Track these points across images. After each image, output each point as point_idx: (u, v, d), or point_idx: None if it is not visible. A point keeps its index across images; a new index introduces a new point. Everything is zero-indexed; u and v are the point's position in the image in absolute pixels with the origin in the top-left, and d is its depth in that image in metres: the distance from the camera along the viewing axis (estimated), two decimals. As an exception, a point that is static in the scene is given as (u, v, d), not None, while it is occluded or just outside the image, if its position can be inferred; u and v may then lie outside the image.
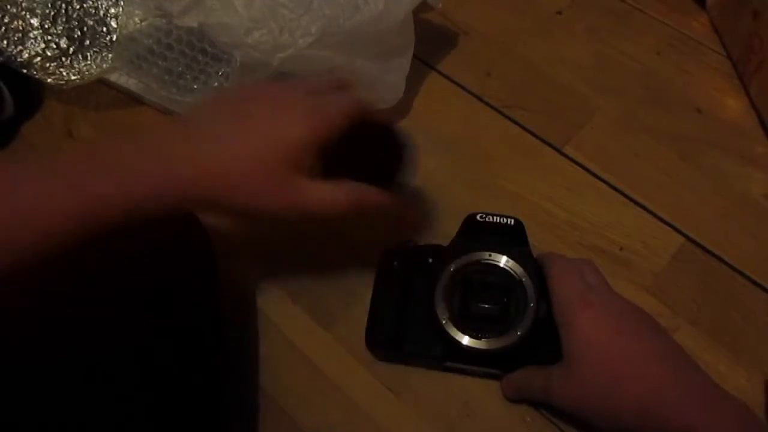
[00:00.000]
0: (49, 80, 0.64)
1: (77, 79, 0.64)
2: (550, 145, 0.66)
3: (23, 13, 0.64)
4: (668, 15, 0.75)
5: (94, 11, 0.65)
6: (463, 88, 0.70)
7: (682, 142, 0.65)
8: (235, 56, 0.54)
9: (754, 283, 0.57)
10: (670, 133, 0.66)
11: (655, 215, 0.61)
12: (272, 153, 0.41)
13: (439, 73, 0.71)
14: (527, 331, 0.48)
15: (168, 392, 0.43)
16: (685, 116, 0.67)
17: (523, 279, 0.50)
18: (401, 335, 0.52)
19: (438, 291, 0.50)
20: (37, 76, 0.64)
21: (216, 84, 0.60)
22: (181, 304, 0.45)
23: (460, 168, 0.64)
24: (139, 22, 0.60)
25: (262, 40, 0.53)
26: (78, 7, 0.65)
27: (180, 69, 0.60)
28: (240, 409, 0.52)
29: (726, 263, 0.58)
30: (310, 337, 0.55)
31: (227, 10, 0.54)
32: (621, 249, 0.59)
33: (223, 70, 0.59)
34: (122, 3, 0.64)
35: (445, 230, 0.54)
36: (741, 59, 0.69)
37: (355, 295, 0.56)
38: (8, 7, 0.64)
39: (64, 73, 0.64)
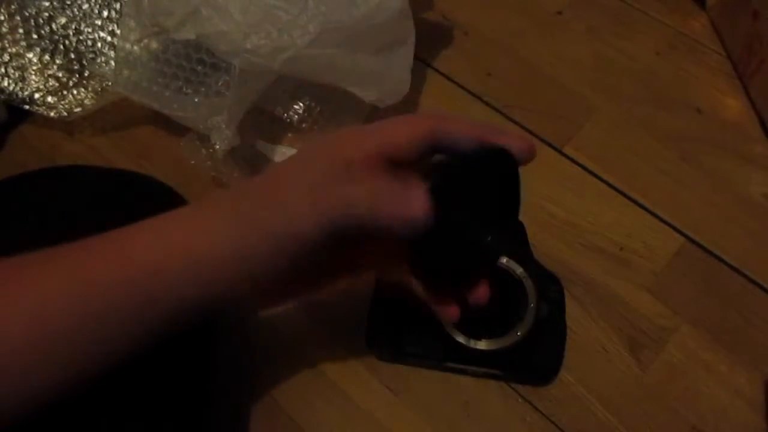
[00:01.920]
0: (51, 114, 0.64)
1: (79, 110, 0.65)
2: (550, 145, 0.66)
3: (22, 51, 0.65)
4: (668, 15, 0.75)
5: (91, 42, 0.66)
6: (463, 88, 0.70)
7: (682, 142, 0.65)
8: (234, 64, 0.54)
9: (754, 283, 0.57)
10: (670, 133, 0.66)
11: (655, 215, 0.61)
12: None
13: (439, 73, 0.71)
14: (527, 331, 0.48)
15: (164, 393, 0.42)
16: (685, 116, 0.67)
17: (524, 279, 0.50)
18: (401, 335, 0.52)
19: (438, 291, 0.50)
20: (39, 111, 0.65)
21: (216, 95, 0.60)
22: None
23: (460, 168, 0.64)
24: (136, 41, 0.60)
25: (260, 44, 0.53)
26: (75, 40, 0.66)
27: (179, 83, 0.60)
28: (239, 409, 0.52)
29: (726, 263, 0.58)
30: (310, 337, 0.55)
31: (224, 19, 0.53)
32: (621, 249, 0.59)
33: (223, 79, 0.59)
34: (118, 30, 0.64)
35: (445, 230, 0.54)
36: (741, 59, 0.69)
37: (355, 295, 0.56)
38: (7, 46, 0.65)
39: (66, 106, 0.65)
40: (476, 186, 0.37)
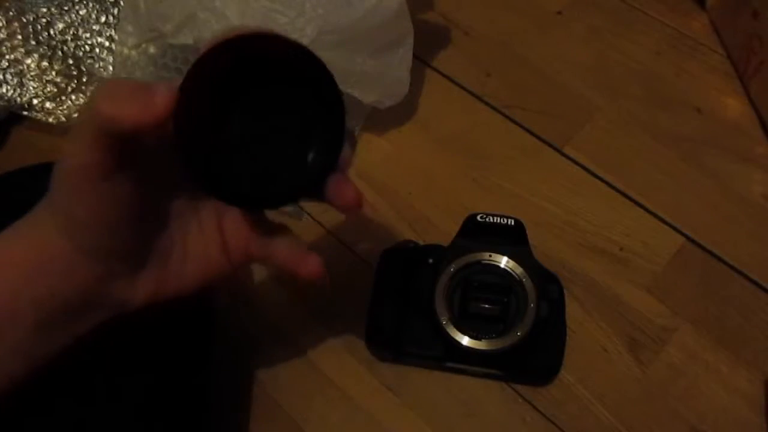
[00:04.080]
0: (50, 119, 0.65)
1: (77, 116, 0.65)
2: (550, 145, 0.66)
3: (20, 56, 0.65)
4: (668, 15, 0.75)
5: (89, 48, 0.66)
6: (463, 88, 0.70)
7: (682, 142, 0.65)
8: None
9: (754, 283, 0.57)
10: (670, 133, 0.66)
11: (655, 215, 0.61)
12: None
13: (439, 73, 0.71)
14: (527, 331, 0.48)
15: (163, 394, 0.42)
16: (685, 116, 0.67)
17: (524, 279, 0.50)
18: (401, 335, 0.52)
19: (438, 291, 0.50)
20: (37, 117, 0.65)
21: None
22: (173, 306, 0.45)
23: (460, 168, 0.64)
24: (134, 46, 0.60)
25: (258, 48, 0.53)
26: (73, 45, 0.66)
27: (178, 88, 0.60)
28: (239, 409, 0.52)
29: (726, 263, 0.58)
30: (310, 337, 0.55)
31: (221, 23, 0.53)
32: (621, 249, 0.59)
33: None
34: (116, 35, 0.64)
35: (445, 230, 0.55)
36: (741, 59, 0.69)
37: (355, 295, 0.56)
38: (5, 51, 0.65)
39: (65, 112, 0.65)
40: (251, 75, 0.31)
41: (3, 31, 0.65)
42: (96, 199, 0.30)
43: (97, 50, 0.66)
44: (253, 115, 0.32)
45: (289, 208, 0.60)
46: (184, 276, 0.35)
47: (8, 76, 0.64)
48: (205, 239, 0.36)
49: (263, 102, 0.32)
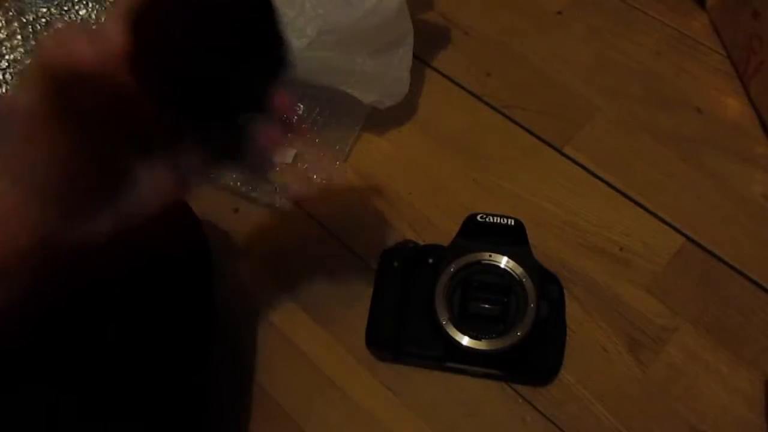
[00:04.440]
0: None
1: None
2: (550, 145, 0.66)
3: (20, 57, 0.65)
4: (668, 15, 0.75)
5: None
6: (463, 88, 0.70)
7: (682, 142, 0.65)
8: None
9: (754, 283, 0.57)
10: (670, 133, 0.66)
11: (655, 215, 0.61)
12: None
13: (439, 73, 0.71)
14: (527, 331, 0.48)
15: (163, 394, 0.42)
16: (685, 116, 0.67)
17: (524, 279, 0.50)
18: (401, 335, 0.52)
19: (438, 291, 0.50)
20: None
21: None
22: (174, 304, 0.45)
23: (460, 168, 0.64)
24: None
25: (257, 47, 0.53)
26: None
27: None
28: (240, 409, 0.52)
29: (726, 263, 0.58)
30: (310, 337, 0.55)
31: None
32: (621, 249, 0.59)
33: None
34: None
35: (445, 230, 0.55)
36: (741, 59, 0.69)
37: (355, 295, 0.56)
38: (5, 52, 0.65)
39: None
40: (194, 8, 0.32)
41: (3, 31, 0.65)
42: (47, 143, 0.30)
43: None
44: (201, 40, 0.32)
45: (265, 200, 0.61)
46: (142, 202, 0.35)
47: (8, 76, 0.64)
48: (159, 167, 0.35)
49: (208, 28, 0.32)
